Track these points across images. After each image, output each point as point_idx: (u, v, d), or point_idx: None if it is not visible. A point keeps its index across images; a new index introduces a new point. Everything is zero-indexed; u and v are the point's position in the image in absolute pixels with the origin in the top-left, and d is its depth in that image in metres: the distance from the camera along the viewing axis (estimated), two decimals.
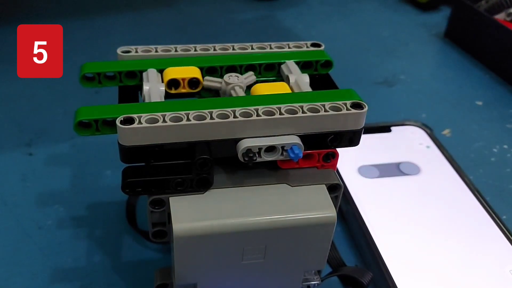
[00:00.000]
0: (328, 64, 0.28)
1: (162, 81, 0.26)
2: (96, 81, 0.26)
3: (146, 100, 0.24)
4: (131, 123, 0.21)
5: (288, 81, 0.26)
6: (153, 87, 0.25)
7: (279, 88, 0.25)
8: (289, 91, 0.25)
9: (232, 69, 0.27)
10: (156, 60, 0.27)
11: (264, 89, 0.25)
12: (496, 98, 0.48)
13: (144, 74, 0.26)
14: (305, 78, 0.26)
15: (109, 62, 0.26)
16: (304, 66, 0.27)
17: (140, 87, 0.26)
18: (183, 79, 0.25)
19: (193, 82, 0.26)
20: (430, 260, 0.30)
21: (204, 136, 0.22)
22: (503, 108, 0.47)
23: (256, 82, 0.27)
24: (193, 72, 0.26)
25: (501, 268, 0.30)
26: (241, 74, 0.27)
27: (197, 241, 0.22)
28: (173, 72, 0.26)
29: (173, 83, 0.25)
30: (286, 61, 0.27)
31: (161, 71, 0.26)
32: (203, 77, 0.26)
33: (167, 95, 0.25)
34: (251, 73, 0.27)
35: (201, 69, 0.26)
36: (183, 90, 0.26)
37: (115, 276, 0.30)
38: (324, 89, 0.26)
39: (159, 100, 0.24)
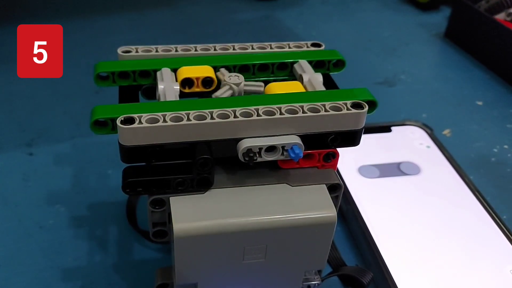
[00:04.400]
0: (340, 63, 0.28)
1: (176, 80, 0.26)
2: (110, 80, 0.26)
3: (162, 99, 0.24)
4: (132, 123, 0.21)
5: (301, 80, 0.26)
6: (167, 86, 0.25)
7: (293, 87, 0.25)
8: (303, 90, 0.25)
9: (245, 68, 0.27)
10: (171, 59, 0.27)
11: (278, 88, 0.25)
12: (496, 98, 0.48)
13: (158, 73, 0.26)
14: (319, 77, 0.26)
15: (123, 61, 0.26)
16: (316, 66, 0.27)
17: (140, 87, 0.26)
18: (197, 78, 0.25)
19: (207, 81, 0.25)
20: (430, 260, 0.30)
21: (204, 136, 0.22)
22: (503, 108, 0.47)
23: (268, 81, 0.27)
24: (207, 71, 0.26)
25: (501, 268, 0.30)
26: (254, 74, 0.27)
27: (198, 241, 0.22)
28: (187, 71, 0.26)
29: (187, 82, 0.25)
30: (299, 60, 0.27)
31: (174, 70, 0.26)
32: (216, 76, 0.26)
33: (181, 94, 0.25)
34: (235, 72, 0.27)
35: (215, 68, 0.26)
36: (197, 89, 0.26)
37: (115, 276, 0.30)
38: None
39: (174, 99, 0.24)
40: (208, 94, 0.26)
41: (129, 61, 0.27)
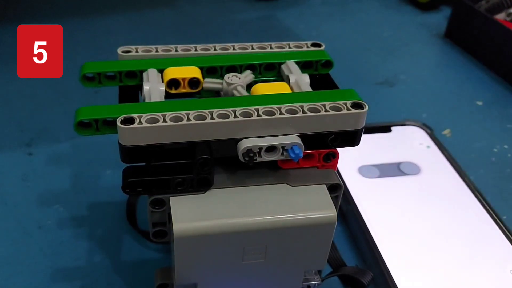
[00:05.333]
0: (328, 64, 0.28)
1: (162, 81, 0.26)
2: (96, 81, 0.26)
3: (147, 100, 0.24)
4: (132, 123, 0.21)
5: (288, 81, 0.26)
6: (153, 87, 0.25)
7: (280, 88, 0.25)
8: (289, 91, 0.25)
9: (232, 69, 0.27)
10: (156, 60, 0.27)
11: (264, 89, 0.25)
12: (496, 98, 0.48)
13: (144, 74, 0.26)
14: (305, 78, 0.26)
15: (109, 62, 0.26)
16: (304, 66, 0.27)
17: (140, 87, 0.26)
18: (183, 79, 0.25)
19: (193, 82, 0.26)
20: (430, 260, 0.30)
21: (204, 136, 0.22)
22: (503, 108, 0.47)
23: (255, 81, 0.27)
24: (193, 72, 0.26)
25: (501, 268, 0.30)
26: (240, 73, 0.27)
27: (198, 241, 0.22)
28: (173, 72, 0.26)
29: (173, 83, 0.25)
30: (287, 61, 0.27)
31: (161, 71, 0.26)
32: (203, 77, 0.26)
33: (167, 95, 0.25)
34: (249, 71, 0.27)
35: (201, 69, 0.26)
36: (183, 90, 0.26)
37: (115, 276, 0.30)
38: (324, 89, 0.26)
39: (159, 100, 0.24)
40: (194, 95, 0.26)
41: (116, 61, 0.27)
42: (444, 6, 0.65)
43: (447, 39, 0.58)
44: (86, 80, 0.26)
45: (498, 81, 0.51)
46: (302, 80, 0.26)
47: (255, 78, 0.27)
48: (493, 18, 0.51)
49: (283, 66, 0.27)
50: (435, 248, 0.30)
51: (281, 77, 0.27)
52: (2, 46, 0.52)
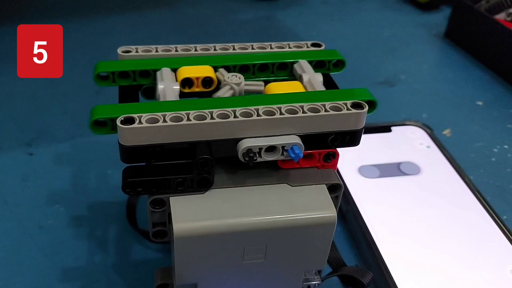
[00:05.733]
0: (340, 63, 0.28)
1: (176, 80, 0.26)
2: (110, 80, 0.26)
3: (161, 99, 0.24)
4: (132, 123, 0.21)
5: (301, 80, 0.26)
6: (167, 86, 0.25)
7: (294, 87, 0.25)
8: (303, 90, 0.25)
9: (245, 68, 0.27)
10: (170, 59, 0.27)
11: (278, 88, 0.25)
12: (496, 98, 0.48)
13: (158, 73, 0.26)
14: (319, 77, 0.26)
15: (123, 61, 0.26)
16: (316, 66, 0.27)
17: (140, 87, 0.26)
18: (197, 78, 0.25)
19: (207, 81, 0.25)
20: (430, 260, 0.30)
21: (204, 136, 0.22)
22: (503, 108, 0.47)
23: (267, 81, 0.27)
24: (207, 71, 0.26)
25: (501, 268, 0.30)
26: (254, 74, 0.27)
27: (198, 241, 0.22)
28: (187, 71, 0.26)
29: (187, 82, 0.25)
30: (299, 60, 0.27)
31: (174, 70, 0.26)
32: (216, 76, 0.26)
33: (181, 94, 0.25)
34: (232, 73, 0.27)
35: (215, 68, 0.26)
36: (197, 89, 0.26)
37: (115, 276, 0.30)
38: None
39: (174, 99, 0.24)
40: (208, 94, 0.26)
41: (129, 61, 0.27)
42: (444, 6, 0.65)
43: (447, 39, 0.58)
44: (100, 79, 0.26)
45: (498, 81, 0.51)
46: (315, 79, 0.26)
47: (268, 77, 0.27)
48: (493, 18, 0.51)
49: (296, 66, 0.27)
50: (435, 248, 0.30)
51: (293, 76, 0.27)
52: (2, 46, 0.52)
